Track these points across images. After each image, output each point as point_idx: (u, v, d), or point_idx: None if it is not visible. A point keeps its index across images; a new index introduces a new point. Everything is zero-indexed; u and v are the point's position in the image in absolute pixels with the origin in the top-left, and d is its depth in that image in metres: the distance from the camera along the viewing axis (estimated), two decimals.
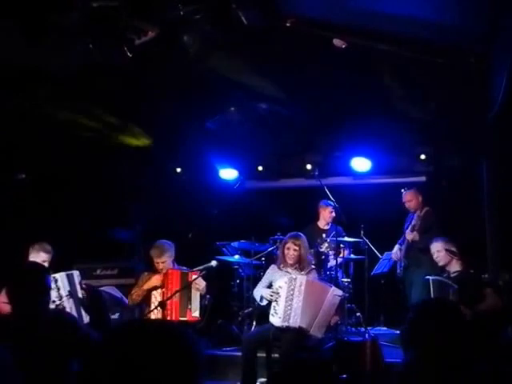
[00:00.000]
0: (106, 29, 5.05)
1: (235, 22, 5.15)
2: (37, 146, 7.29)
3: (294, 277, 5.97)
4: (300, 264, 6.14)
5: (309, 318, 5.84)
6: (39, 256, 6.05)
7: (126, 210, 8.75)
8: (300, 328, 5.80)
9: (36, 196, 8.12)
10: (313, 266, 6.40)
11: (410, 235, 7.23)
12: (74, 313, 5.64)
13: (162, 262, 6.01)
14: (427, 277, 6.08)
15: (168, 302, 5.69)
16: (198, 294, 6.04)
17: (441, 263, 6.02)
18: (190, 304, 5.97)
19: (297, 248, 6.10)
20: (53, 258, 6.16)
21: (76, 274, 6.01)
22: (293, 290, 5.88)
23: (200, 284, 5.98)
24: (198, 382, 1.51)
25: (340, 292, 6.25)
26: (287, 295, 5.87)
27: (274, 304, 5.88)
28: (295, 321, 5.81)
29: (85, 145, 7.43)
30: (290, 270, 6.17)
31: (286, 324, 5.83)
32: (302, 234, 6.28)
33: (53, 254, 6.16)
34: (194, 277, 5.85)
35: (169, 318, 5.75)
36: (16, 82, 6.06)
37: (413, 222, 7.28)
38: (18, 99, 6.33)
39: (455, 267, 5.95)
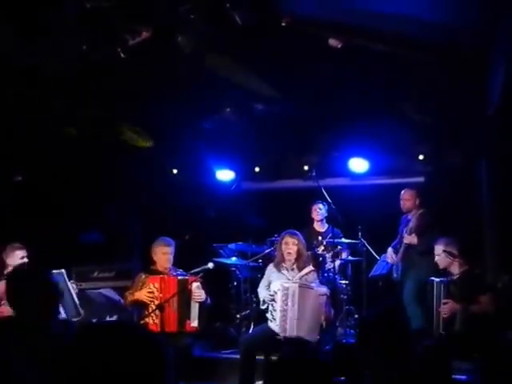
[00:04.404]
0: (100, 30, 5.01)
1: (230, 21, 5.10)
2: (33, 146, 7.24)
3: (287, 286, 5.83)
4: (298, 261, 6.04)
5: (306, 325, 5.77)
6: (15, 256, 5.90)
7: (123, 211, 8.71)
8: (298, 337, 5.73)
9: (32, 197, 8.06)
10: (311, 268, 6.29)
11: (407, 238, 7.12)
12: (62, 311, 5.58)
13: (170, 254, 5.98)
14: (432, 278, 5.96)
15: (166, 311, 5.63)
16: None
17: (441, 266, 5.92)
18: (189, 313, 5.84)
19: (296, 241, 6.03)
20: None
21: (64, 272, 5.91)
22: (286, 299, 5.77)
23: (200, 295, 5.86)
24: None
25: (323, 290, 6.11)
26: (281, 304, 5.78)
27: (270, 309, 5.82)
28: (292, 330, 5.74)
29: (80, 145, 7.37)
30: (286, 271, 6.09)
31: (283, 334, 5.76)
32: (297, 232, 6.22)
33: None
34: (195, 285, 5.78)
35: (166, 330, 5.65)
36: (10, 82, 6.02)
37: (410, 225, 7.16)
38: (12, 98, 6.29)
39: (457, 269, 5.84)
